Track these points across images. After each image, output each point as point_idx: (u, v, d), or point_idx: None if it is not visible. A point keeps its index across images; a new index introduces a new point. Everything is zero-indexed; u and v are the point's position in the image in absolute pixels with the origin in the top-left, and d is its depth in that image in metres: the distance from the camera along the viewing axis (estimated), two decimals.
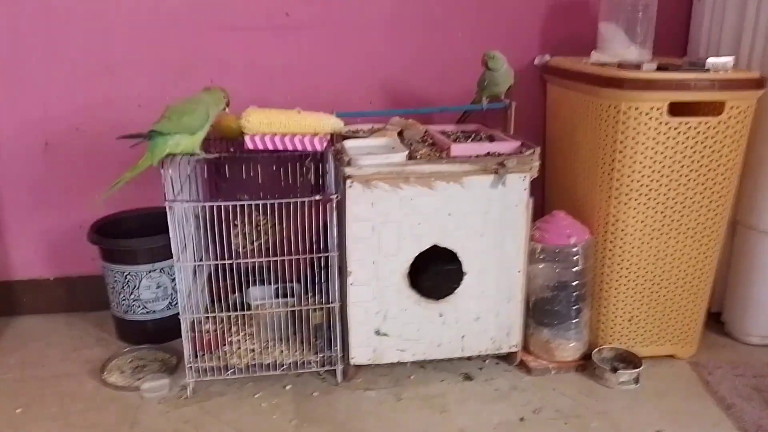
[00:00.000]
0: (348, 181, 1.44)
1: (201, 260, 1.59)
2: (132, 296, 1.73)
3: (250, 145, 1.44)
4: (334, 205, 1.45)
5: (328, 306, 1.54)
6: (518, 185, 1.50)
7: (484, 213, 1.51)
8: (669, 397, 1.52)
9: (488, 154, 1.53)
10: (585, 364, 1.64)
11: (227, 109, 1.50)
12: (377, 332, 1.56)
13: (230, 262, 1.51)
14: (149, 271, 1.72)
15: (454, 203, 1.49)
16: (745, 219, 1.68)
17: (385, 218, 1.48)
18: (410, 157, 1.49)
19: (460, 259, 1.54)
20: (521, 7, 1.91)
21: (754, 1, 1.60)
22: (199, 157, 1.45)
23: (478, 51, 1.90)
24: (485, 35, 1.92)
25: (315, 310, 1.57)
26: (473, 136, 1.70)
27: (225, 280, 1.66)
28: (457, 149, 1.52)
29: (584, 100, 1.59)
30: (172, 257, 1.44)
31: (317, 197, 1.44)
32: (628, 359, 1.62)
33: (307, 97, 1.87)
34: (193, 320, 1.54)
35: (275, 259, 1.54)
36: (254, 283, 1.64)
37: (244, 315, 1.62)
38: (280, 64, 1.85)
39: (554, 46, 1.94)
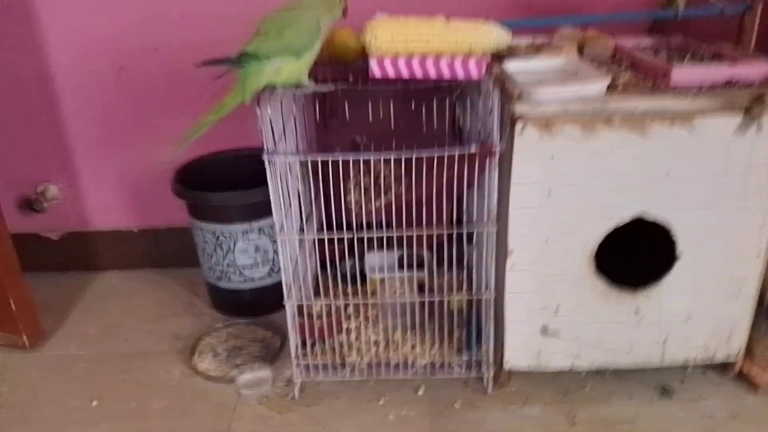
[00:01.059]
0: (519, 124, 0.98)
1: (307, 227, 1.21)
2: (226, 261, 1.40)
3: (377, 72, 1.00)
4: (496, 160, 1.00)
5: (478, 297, 1.13)
6: None
7: (718, 173, 1.01)
8: None
9: (728, 83, 1.01)
10: None
11: (343, 18, 1.06)
12: (544, 331, 1.14)
13: (349, 236, 1.11)
14: (245, 232, 1.37)
15: (676, 157, 1.00)
16: None
17: (567, 179, 1.02)
18: (611, 87, 1.00)
19: (673, 236, 1.07)
20: None
21: None
22: (308, 90, 1.03)
23: None
24: None
25: (457, 295, 1.17)
26: (689, 54, 1.17)
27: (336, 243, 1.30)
28: (682, 74, 1.01)
29: None
30: (272, 214, 1.07)
31: (473, 149, 0.99)
32: None
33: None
34: (298, 305, 1.18)
35: (404, 233, 1.12)
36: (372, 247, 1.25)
37: (361, 294, 1.25)
38: None
39: None
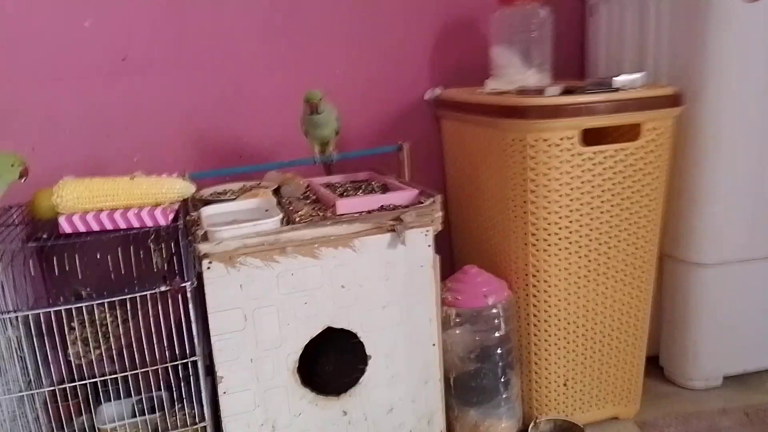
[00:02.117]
0: (205, 262, 1.12)
1: (21, 389, 1.20)
2: None
3: (67, 228, 1.09)
4: (189, 295, 1.12)
5: (197, 426, 1.19)
6: (421, 242, 1.24)
7: (384, 280, 1.23)
8: None
9: (381, 208, 1.26)
10: None
11: (23, 180, 1.14)
12: None
13: (52, 388, 1.12)
14: None
15: (346, 273, 1.20)
16: (673, 251, 1.50)
17: (259, 302, 1.16)
18: (287, 220, 1.19)
19: (361, 340, 1.25)
20: (405, 38, 1.69)
21: (653, 8, 1.45)
22: None
23: (359, 87, 1.67)
24: (366, 70, 1.67)
25: (180, 429, 1.21)
26: (364, 186, 1.43)
27: (68, 399, 1.28)
28: (344, 205, 1.24)
29: (485, 135, 1.37)
30: None
31: (163, 288, 1.10)
32: (569, 430, 1.37)
33: (158, 155, 1.54)
34: None
35: (122, 374, 1.17)
36: (107, 398, 1.26)
37: None
38: (119, 117, 1.51)
39: (446, 78, 1.72)
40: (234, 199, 1.37)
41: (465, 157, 1.51)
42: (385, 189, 1.40)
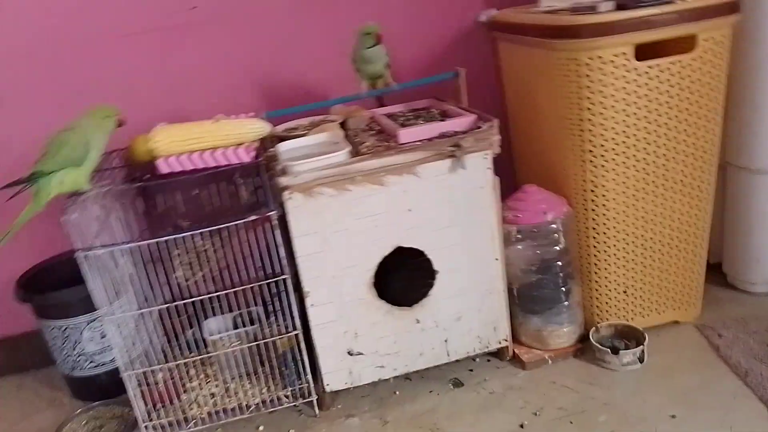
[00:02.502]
0: (286, 193, 1.25)
1: (139, 306, 1.40)
2: (76, 351, 1.54)
3: (164, 169, 1.24)
4: (274, 223, 1.26)
5: (289, 334, 1.36)
6: (480, 165, 1.32)
7: (447, 202, 1.33)
8: (678, 372, 1.37)
9: (441, 135, 1.34)
10: (583, 347, 1.48)
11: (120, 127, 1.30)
12: (350, 353, 1.39)
13: (165, 306, 1.32)
14: (89, 322, 1.53)
15: (411, 197, 1.31)
16: (735, 159, 1.51)
17: (335, 227, 1.29)
18: (354, 152, 1.30)
19: (428, 257, 1.37)
20: None
21: None
22: (89, 193, 1.24)
23: (412, 16, 1.71)
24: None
25: (276, 339, 1.39)
26: (424, 114, 1.51)
27: (178, 315, 1.49)
28: (405, 135, 1.33)
29: (540, 55, 1.40)
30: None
31: (252, 217, 1.25)
32: (629, 335, 1.47)
33: (233, 98, 1.66)
34: (142, 374, 1.36)
35: (223, 292, 1.35)
36: (210, 314, 1.46)
37: (199, 357, 1.44)
38: (195, 66, 1.64)
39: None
40: (305, 134, 1.48)
41: (522, 78, 1.55)
42: (444, 116, 1.48)
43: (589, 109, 1.30)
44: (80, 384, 1.59)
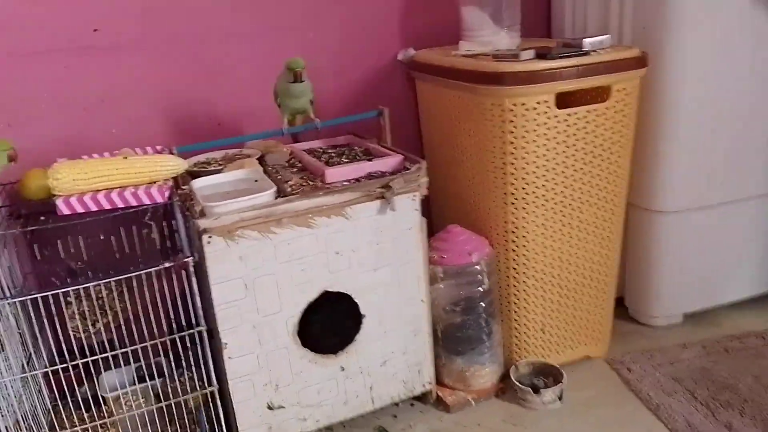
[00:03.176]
0: (205, 237, 1.15)
1: (36, 362, 1.23)
2: None
3: (65, 210, 1.10)
4: (191, 269, 1.16)
5: (204, 391, 1.25)
6: (409, 207, 1.30)
7: (375, 244, 1.29)
8: (595, 408, 1.41)
9: (368, 175, 1.31)
10: (504, 386, 1.49)
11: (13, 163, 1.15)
12: (270, 407, 1.29)
13: (56, 368, 1.16)
14: None
15: (340, 240, 1.26)
16: (638, 200, 1.61)
17: (259, 272, 1.21)
18: (280, 192, 1.23)
19: (355, 300, 1.32)
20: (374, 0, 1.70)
21: None
22: None
23: (332, 53, 1.68)
24: (339, 34, 1.68)
25: (188, 395, 1.27)
26: (346, 152, 1.47)
27: (68, 370, 1.32)
28: (332, 174, 1.28)
29: (463, 98, 1.42)
30: None
31: (167, 264, 1.14)
32: (547, 372, 1.50)
33: (138, 129, 1.53)
34: None
35: (128, 349, 1.21)
36: (106, 366, 1.30)
37: (96, 416, 1.28)
38: (98, 93, 1.49)
39: (417, 38, 1.75)
40: (220, 168, 1.39)
41: (442, 119, 1.56)
42: (367, 154, 1.45)
43: (512, 153, 1.33)
44: None
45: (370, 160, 1.38)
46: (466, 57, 1.45)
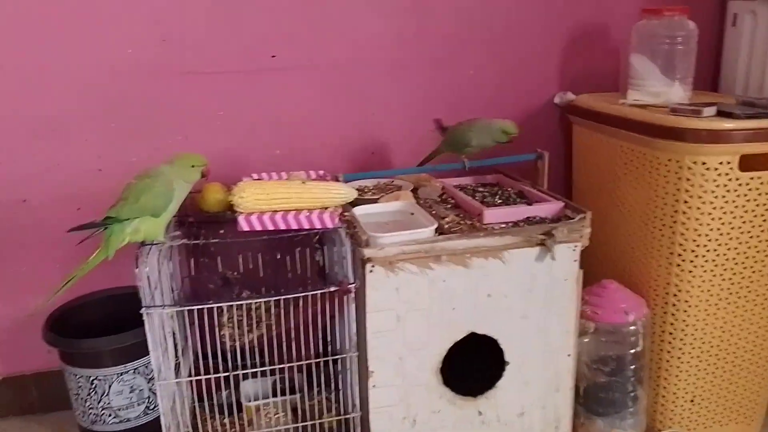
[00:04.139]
0: (368, 265, 1.18)
1: (183, 360, 1.30)
2: (101, 404, 1.42)
3: (245, 227, 1.17)
4: (352, 296, 1.18)
5: (348, 416, 1.26)
6: (568, 257, 1.26)
7: (528, 291, 1.27)
8: None
9: (527, 220, 1.29)
10: None
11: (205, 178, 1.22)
12: None
13: (225, 374, 1.22)
14: (120, 374, 1.41)
15: (493, 282, 1.24)
16: None
17: (412, 305, 1.22)
18: (439, 229, 1.24)
19: (501, 346, 1.29)
20: (535, 39, 1.69)
21: None
22: (167, 245, 1.16)
23: (489, 89, 1.69)
24: (497, 71, 1.69)
25: (330, 416, 1.29)
26: (499, 192, 1.46)
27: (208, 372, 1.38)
28: (491, 215, 1.28)
29: (632, 150, 1.37)
30: (147, 353, 1.15)
31: (333, 288, 1.17)
32: None
33: (297, 152, 1.60)
34: None
35: (277, 366, 1.25)
36: (247, 376, 1.35)
37: (238, 425, 1.33)
38: (264, 115, 1.58)
39: (573, 82, 1.72)
40: (376, 197, 1.42)
41: (601, 167, 1.52)
42: (521, 196, 1.43)
43: (684, 213, 1.26)
44: None
45: (528, 203, 1.36)
46: (637, 107, 1.41)
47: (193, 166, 1.19)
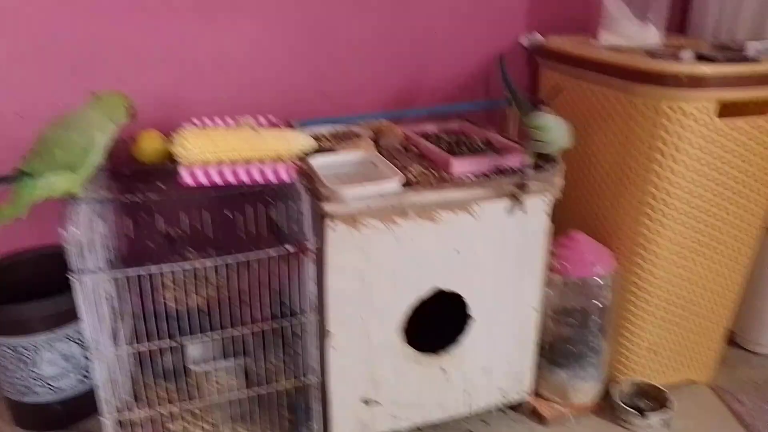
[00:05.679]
0: (329, 222, 1.07)
1: (122, 325, 1.18)
2: (30, 374, 1.28)
3: (189, 181, 1.02)
4: (312, 254, 1.08)
5: (304, 381, 1.18)
6: (539, 209, 1.20)
7: (497, 246, 1.20)
8: None
9: (497, 170, 1.20)
10: (602, 404, 1.40)
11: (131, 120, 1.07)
12: (365, 401, 1.23)
13: (166, 344, 1.10)
14: (50, 341, 1.27)
15: (461, 237, 1.17)
16: None
17: (376, 263, 1.13)
18: (405, 181, 1.14)
19: (466, 302, 1.23)
20: None
21: None
22: (88, 200, 1.01)
23: (452, 29, 1.56)
24: (461, 12, 1.55)
25: (283, 381, 1.21)
26: (465, 141, 1.37)
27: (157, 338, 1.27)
28: (460, 165, 1.18)
29: (605, 95, 1.30)
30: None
31: (289, 248, 1.06)
32: (649, 394, 1.40)
33: (247, 96, 1.44)
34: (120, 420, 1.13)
35: (229, 330, 1.15)
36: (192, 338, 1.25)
37: (186, 394, 1.24)
38: (207, 53, 1.40)
39: (541, 24, 1.61)
40: (333, 147, 1.30)
41: (572, 113, 1.43)
42: (488, 144, 1.34)
43: (657, 161, 1.21)
44: (29, 411, 1.33)
45: (497, 152, 1.27)
46: (612, 50, 1.32)
47: (116, 108, 1.03)
